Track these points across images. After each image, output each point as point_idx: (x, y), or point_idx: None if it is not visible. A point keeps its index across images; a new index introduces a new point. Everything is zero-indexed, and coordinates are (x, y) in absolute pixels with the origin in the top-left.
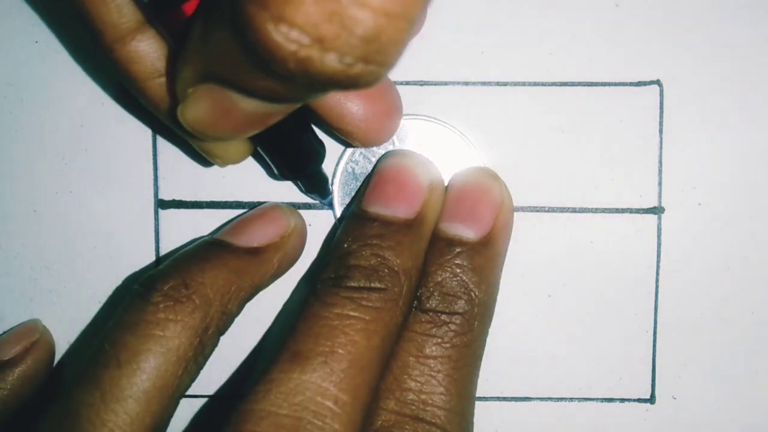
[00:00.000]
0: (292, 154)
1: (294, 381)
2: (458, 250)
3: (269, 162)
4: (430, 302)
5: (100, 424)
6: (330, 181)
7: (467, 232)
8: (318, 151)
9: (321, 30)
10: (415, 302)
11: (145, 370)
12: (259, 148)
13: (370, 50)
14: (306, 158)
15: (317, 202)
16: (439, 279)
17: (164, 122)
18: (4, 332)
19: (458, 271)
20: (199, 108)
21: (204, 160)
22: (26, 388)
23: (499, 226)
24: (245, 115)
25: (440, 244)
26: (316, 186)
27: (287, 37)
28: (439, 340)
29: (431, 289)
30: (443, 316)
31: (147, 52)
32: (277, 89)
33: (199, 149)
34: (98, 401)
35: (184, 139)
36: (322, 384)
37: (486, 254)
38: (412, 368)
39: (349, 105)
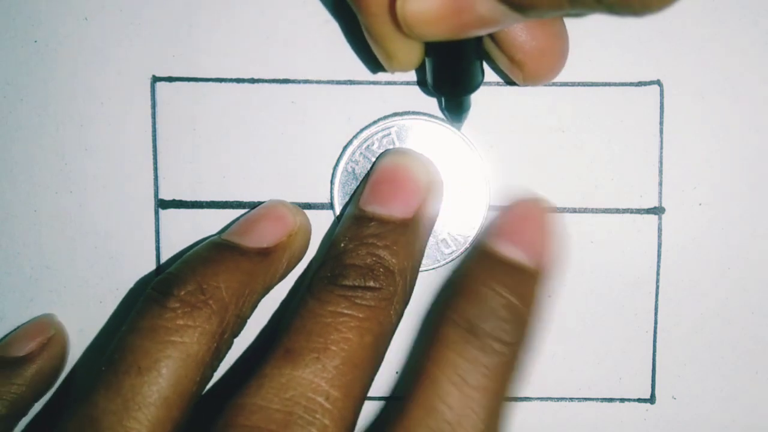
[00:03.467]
0: (460, 72)
1: (286, 376)
2: (515, 275)
3: (432, 72)
4: (486, 325)
5: (122, 431)
6: (330, 182)
7: (522, 257)
8: (480, 78)
9: None
10: (466, 324)
11: (166, 376)
12: (427, 58)
13: None
14: (469, 80)
15: (450, 123)
16: (494, 304)
17: (361, 24)
18: (18, 326)
19: (512, 299)
20: (429, 1)
21: (208, 159)
22: (42, 384)
23: (551, 257)
24: (474, 18)
25: (498, 267)
26: (458, 108)
27: None
28: (485, 370)
29: (487, 313)
30: (495, 344)
31: None
32: (542, 1)
33: (379, 50)
34: (120, 408)
35: (186, 140)
36: (313, 380)
37: (535, 283)
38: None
39: (530, 38)
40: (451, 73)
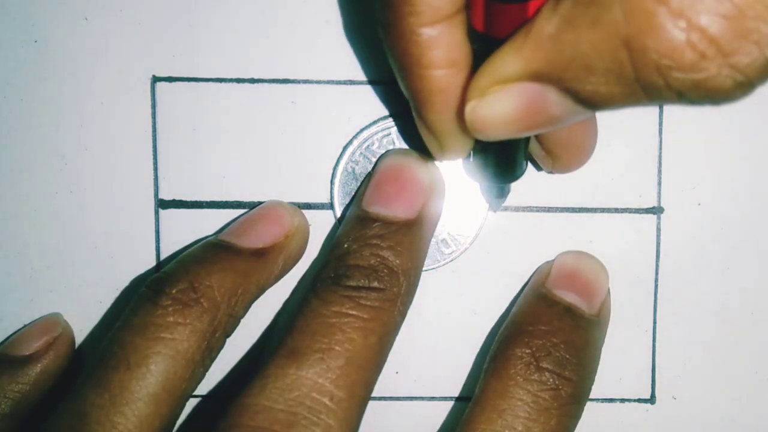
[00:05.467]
0: (507, 163)
1: (290, 377)
2: (572, 322)
3: (480, 162)
4: (545, 361)
5: (109, 426)
6: (330, 182)
7: (580, 303)
8: (525, 167)
9: (732, 44)
10: (532, 359)
11: (154, 372)
12: (474, 147)
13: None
14: (515, 169)
15: (488, 203)
16: (557, 340)
17: (415, 113)
18: (21, 326)
19: (577, 339)
20: (503, 105)
21: (208, 159)
22: (47, 383)
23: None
24: (545, 119)
25: (553, 309)
26: (499, 193)
27: (695, 47)
28: (547, 403)
29: (549, 349)
30: (557, 380)
31: (448, 40)
32: (620, 98)
33: (433, 143)
34: (107, 403)
35: (186, 140)
36: (318, 380)
37: (594, 329)
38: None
39: (568, 133)
40: (499, 164)
